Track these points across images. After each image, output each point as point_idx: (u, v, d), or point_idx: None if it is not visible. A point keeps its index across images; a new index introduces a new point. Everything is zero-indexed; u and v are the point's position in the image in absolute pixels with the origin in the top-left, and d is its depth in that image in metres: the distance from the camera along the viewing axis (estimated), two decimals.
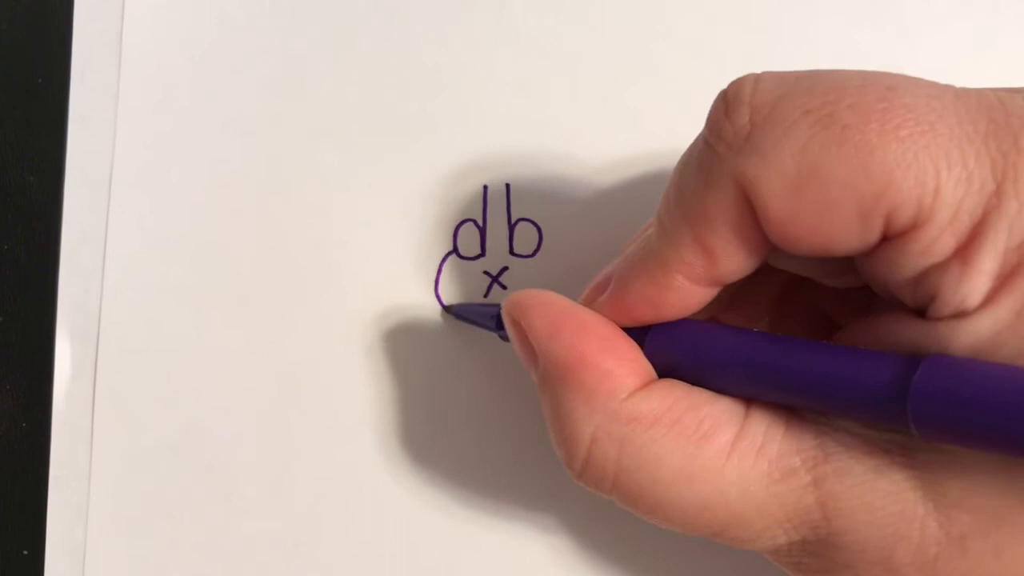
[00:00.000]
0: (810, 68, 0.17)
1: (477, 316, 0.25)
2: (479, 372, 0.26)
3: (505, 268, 0.26)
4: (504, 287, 0.26)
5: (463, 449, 0.26)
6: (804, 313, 0.23)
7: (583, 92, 0.26)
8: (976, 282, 0.15)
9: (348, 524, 0.26)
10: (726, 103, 0.17)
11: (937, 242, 0.15)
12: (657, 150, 0.26)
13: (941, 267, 0.16)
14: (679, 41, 0.26)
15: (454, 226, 0.26)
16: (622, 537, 0.25)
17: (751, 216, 0.17)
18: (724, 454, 0.17)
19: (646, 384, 0.19)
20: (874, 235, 0.16)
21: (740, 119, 0.17)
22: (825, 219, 0.16)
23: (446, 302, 0.26)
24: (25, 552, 0.26)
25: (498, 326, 0.23)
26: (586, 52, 0.27)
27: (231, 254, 0.26)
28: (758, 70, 0.17)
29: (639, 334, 0.19)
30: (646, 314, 0.19)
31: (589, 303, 0.20)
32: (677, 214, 0.18)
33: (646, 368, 0.19)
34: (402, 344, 0.26)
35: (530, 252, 0.26)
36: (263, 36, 0.27)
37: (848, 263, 0.18)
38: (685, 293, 0.18)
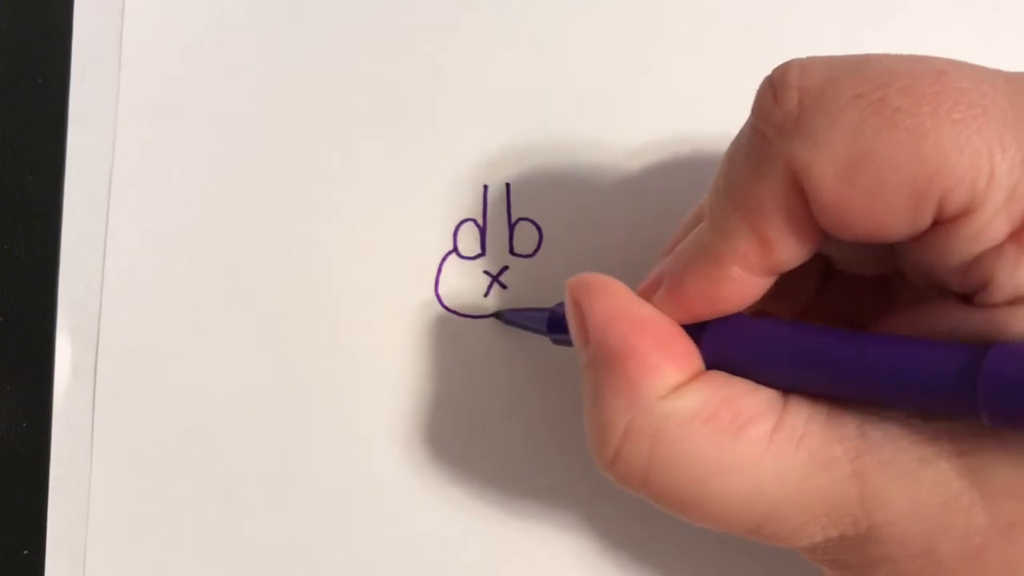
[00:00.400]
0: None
1: (528, 320, 0.24)
2: (481, 371, 0.26)
3: (505, 268, 0.26)
4: (504, 287, 0.26)
5: (462, 447, 0.25)
6: (825, 312, 0.22)
7: (583, 92, 0.26)
8: None
9: (348, 524, 0.25)
10: (773, 88, 0.16)
11: (990, 226, 0.15)
12: (657, 149, 0.26)
13: (995, 252, 0.15)
14: (679, 41, 0.26)
15: (454, 226, 0.26)
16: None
17: (802, 202, 0.16)
18: (762, 445, 0.17)
19: (692, 378, 0.18)
20: (926, 219, 0.15)
21: (788, 103, 0.16)
22: (878, 203, 0.15)
23: (446, 302, 0.26)
24: (25, 552, 0.26)
25: (550, 329, 0.23)
26: (586, 52, 0.26)
27: (231, 254, 0.26)
28: (758, 70, 0.17)
29: (695, 331, 0.19)
30: (703, 309, 0.18)
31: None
32: (728, 204, 0.17)
33: (695, 364, 0.18)
34: (401, 344, 0.26)
35: (530, 252, 0.26)
36: (263, 36, 0.27)
37: (890, 250, 0.17)
38: (741, 285, 0.18)
